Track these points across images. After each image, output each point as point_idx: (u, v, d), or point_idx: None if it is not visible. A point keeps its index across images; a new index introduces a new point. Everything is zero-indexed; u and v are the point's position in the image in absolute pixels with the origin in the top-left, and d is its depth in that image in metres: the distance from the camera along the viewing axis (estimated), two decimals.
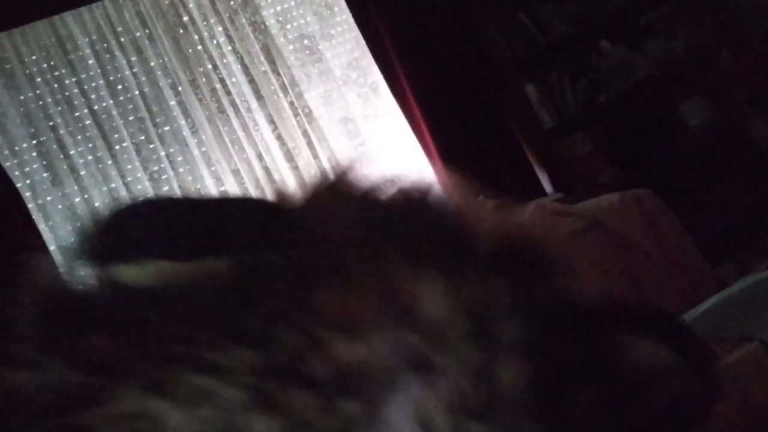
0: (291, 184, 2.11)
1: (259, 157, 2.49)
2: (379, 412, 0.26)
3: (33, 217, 2.21)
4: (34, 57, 2.36)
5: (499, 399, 0.26)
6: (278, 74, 2.59)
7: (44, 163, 2.32)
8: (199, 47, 2.52)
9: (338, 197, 0.31)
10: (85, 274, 0.31)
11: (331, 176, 0.32)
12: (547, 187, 2.60)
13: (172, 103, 2.47)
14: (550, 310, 0.29)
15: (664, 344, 0.32)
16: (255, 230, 0.29)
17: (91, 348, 0.28)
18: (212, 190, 2.40)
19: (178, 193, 2.34)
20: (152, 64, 2.46)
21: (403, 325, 0.27)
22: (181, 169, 2.44)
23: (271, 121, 2.54)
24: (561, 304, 0.30)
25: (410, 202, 0.30)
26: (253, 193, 2.40)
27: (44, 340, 0.29)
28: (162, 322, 0.28)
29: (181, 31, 2.52)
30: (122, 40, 2.45)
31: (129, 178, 2.37)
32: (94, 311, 0.30)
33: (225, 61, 2.54)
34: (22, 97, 2.33)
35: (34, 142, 2.33)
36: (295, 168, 2.50)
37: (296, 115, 2.56)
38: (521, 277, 0.29)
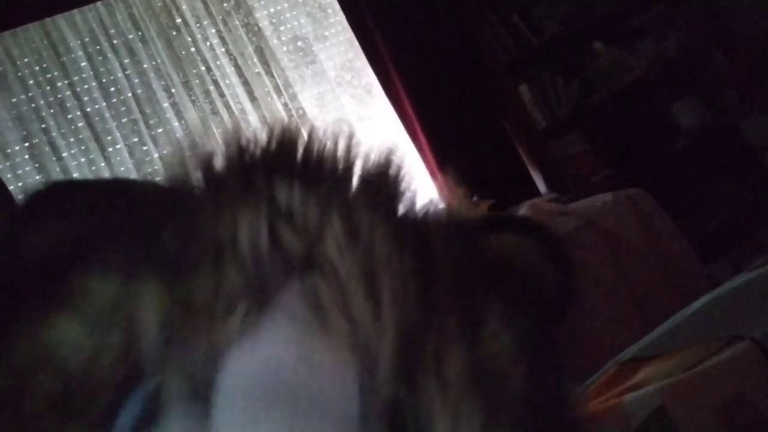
0: None
1: None
2: (271, 298, 0.29)
3: None
4: (26, 60, 2.34)
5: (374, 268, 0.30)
6: (272, 76, 2.58)
7: (36, 165, 2.31)
8: (192, 49, 2.52)
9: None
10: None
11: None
12: (541, 187, 2.60)
13: (166, 105, 2.46)
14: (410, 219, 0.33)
15: (525, 237, 0.36)
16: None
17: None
18: None
19: None
20: (145, 66, 2.45)
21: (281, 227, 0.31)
22: None
23: (266, 123, 2.53)
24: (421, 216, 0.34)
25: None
26: None
27: None
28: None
29: (174, 33, 2.51)
30: (115, 42, 2.44)
31: None
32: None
33: (218, 62, 2.54)
34: (14, 100, 2.32)
35: (27, 144, 2.32)
36: None
37: (290, 116, 2.56)
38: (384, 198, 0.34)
